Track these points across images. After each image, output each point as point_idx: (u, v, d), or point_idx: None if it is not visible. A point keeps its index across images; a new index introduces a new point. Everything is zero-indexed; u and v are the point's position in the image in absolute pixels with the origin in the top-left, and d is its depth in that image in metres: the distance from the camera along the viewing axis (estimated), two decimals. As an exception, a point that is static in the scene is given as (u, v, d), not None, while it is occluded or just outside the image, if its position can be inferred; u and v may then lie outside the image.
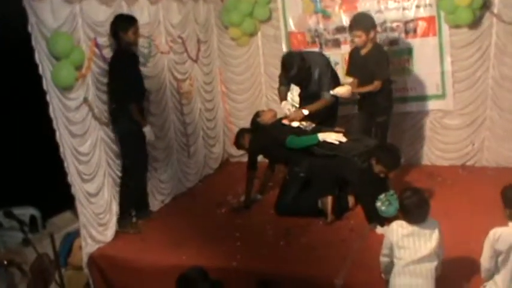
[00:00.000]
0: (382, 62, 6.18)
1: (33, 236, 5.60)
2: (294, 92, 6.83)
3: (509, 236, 3.77)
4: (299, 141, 6.02)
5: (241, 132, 6.78)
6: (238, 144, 6.78)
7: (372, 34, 6.10)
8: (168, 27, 7.14)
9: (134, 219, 6.29)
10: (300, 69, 6.17)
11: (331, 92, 6.26)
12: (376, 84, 6.13)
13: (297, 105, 6.69)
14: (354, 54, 6.40)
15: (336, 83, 6.51)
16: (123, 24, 5.85)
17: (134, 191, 6.24)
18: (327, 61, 6.50)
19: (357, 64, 6.36)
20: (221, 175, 8.18)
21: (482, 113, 7.10)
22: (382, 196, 5.48)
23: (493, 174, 6.67)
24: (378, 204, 5.47)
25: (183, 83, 7.52)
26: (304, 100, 6.54)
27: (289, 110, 6.47)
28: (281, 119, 6.44)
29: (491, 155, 7.18)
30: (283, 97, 6.60)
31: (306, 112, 6.30)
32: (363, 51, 6.22)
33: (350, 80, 6.54)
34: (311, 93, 6.44)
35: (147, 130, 6.07)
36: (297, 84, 6.57)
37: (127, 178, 6.13)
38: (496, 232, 3.84)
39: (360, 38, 6.10)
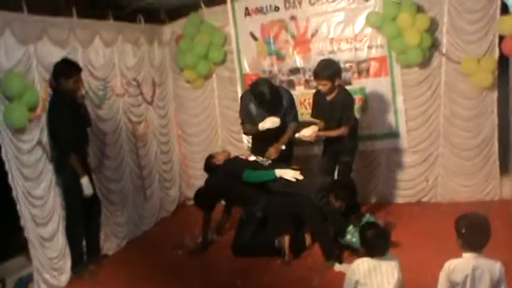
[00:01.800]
0: (349, 107, 6.28)
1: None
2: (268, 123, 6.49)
3: (464, 267, 3.80)
4: (256, 175, 6.06)
5: (209, 156, 6.73)
6: (208, 166, 6.67)
7: (337, 81, 6.19)
8: (123, 70, 7.20)
9: (88, 266, 6.15)
10: (271, 92, 6.24)
11: (297, 135, 6.31)
12: (343, 130, 6.22)
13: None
14: (319, 97, 6.44)
15: (297, 116, 6.67)
16: (67, 70, 5.71)
17: (77, 240, 6.07)
18: (292, 98, 6.63)
19: (322, 108, 6.41)
20: (178, 218, 8.15)
21: (435, 150, 7.26)
22: (350, 228, 5.58)
23: (447, 210, 6.75)
24: (348, 237, 5.59)
25: (139, 126, 7.55)
26: (266, 135, 6.51)
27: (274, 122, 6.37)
28: (237, 156, 6.51)
29: (445, 191, 7.31)
30: (251, 130, 6.58)
31: (283, 147, 6.41)
32: (329, 97, 6.28)
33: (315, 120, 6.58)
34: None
35: (84, 182, 5.82)
36: (268, 108, 6.40)
37: (68, 228, 5.97)
38: (451, 264, 3.88)
39: (325, 86, 6.17)
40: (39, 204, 5.65)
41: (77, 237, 6.06)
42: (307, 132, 6.24)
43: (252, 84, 6.57)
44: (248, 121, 6.61)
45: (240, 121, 6.88)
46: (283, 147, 6.43)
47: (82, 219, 6.06)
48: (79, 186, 5.80)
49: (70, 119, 5.70)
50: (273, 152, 6.38)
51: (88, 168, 6.11)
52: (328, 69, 6.16)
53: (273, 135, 6.46)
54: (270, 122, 6.34)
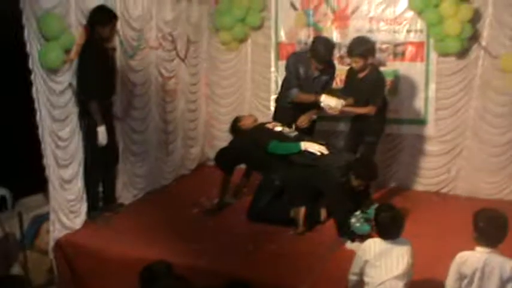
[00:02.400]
0: (379, 88, 6.25)
1: (2, 215, 5.56)
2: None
3: (475, 260, 3.82)
4: (281, 147, 6.03)
5: (236, 119, 6.77)
6: (233, 128, 6.71)
7: (369, 60, 6.15)
8: (159, 23, 7.18)
9: (104, 212, 6.27)
10: (331, 54, 6.33)
11: (321, 99, 6.22)
12: (369, 109, 6.20)
13: None
14: (351, 74, 6.42)
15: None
16: (103, 18, 5.76)
17: (93, 185, 6.17)
18: (335, 70, 6.67)
19: (353, 85, 6.39)
20: (197, 177, 8.19)
21: (461, 142, 7.21)
22: (358, 213, 5.59)
23: (466, 204, 6.73)
24: (353, 220, 5.57)
25: (169, 81, 7.56)
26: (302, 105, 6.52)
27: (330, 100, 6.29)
28: (263, 123, 6.49)
29: (466, 185, 7.26)
30: (303, 97, 6.40)
31: (315, 116, 6.52)
32: (361, 74, 6.25)
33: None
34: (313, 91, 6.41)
35: (100, 130, 5.89)
36: (321, 69, 6.34)
37: (85, 172, 6.05)
38: (462, 256, 3.89)
39: (357, 63, 6.14)
40: (63, 145, 5.72)
41: (93, 182, 6.15)
42: (332, 102, 6.18)
43: (315, 39, 6.57)
44: (295, 85, 6.44)
45: (281, 84, 6.82)
46: (315, 116, 6.41)
47: (99, 165, 6.14)
48: (97, 133, 5.88)
49: (98, 67, 5.76)
50: (304, 119, 6.42)
51: (110, 118, 6.18)
52: (362, 46, 6.13)
53: (304, 103, 6.46)
54: (335, 102, 6.22)
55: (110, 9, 5.87)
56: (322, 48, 6.21)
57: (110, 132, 6.08)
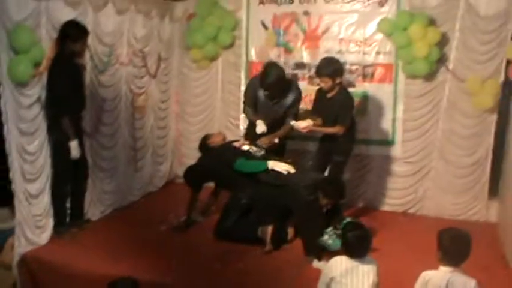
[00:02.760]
0: (347, 108, 6.29)
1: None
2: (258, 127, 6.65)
3: (439, 279, 3.84)
4: (248, 165, 6.04)
5: (205, 137, 6.79)
6: (202, 146, 6.71)
7: (337, 80, 6.20)
8: (130, 40, 7.21)
9: (70, 228, 6.20)
10: (279, 80, 6.27)
11: (291, 123, 6.34)
12: (338, 129, 6.24)
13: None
14: (320, 94, 6.46)
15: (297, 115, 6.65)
16: (74, 33, 5.72)
17: (60, 200, 6.10)
18: (300, 93, 6.59)
19: (322, 105, 6.43)
20: (165, 194, 8.18)
21: (428, 163, 7.30)
22: (328, 230, 5.61)
23: (432, 224, 6.72)
24: (325, 238, 5.61)
25: (139, 97, 7.56)
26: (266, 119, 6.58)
27: (263, 127, 6.52)
28: (231, 142, 6.53)
29: (432, 205, 7.34)
30: (252, 117, 6.64)
31: (276, 140, 6.45)
32: (329, 94, 6.29)
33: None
34: (272, 119, 6.52)
35: (72, 145, 5.85)
36: (269, 95, 6.43)
37: (53, 186, 6.00)
38: (426, 275, 3.93)
39: (325, 83, 6.19)
40: (31, 159, 5.67)
41: (60, 197, 6.08)
42: (302, 124, 6.28)
43: (264, 65, 6.62)
44: (250, 106, 6.62)
45: (243, 100, 6.89)
46: (277, 140, 6.46)
47: (67, 180, 6.09)
48: (67, 148, 5.82)
49: (68, 81, 5.71)
50: (264, 141, 6.40)
51: (80, 132, 6.13)
52: (330, 67, 6.18)
53: (269, 126, 6.51)
54: (259, 127, 6.48)
55: (81, 24, 5.84)
56: (267, 75, 6.27)
57: (81, 146, 6.03)
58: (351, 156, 6.72)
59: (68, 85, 5.69)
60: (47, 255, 5.69)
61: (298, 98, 6.54)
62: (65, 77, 5.68)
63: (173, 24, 8.21)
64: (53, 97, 5.69)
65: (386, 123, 7.34)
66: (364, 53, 7.31)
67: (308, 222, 5.76)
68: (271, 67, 6.38)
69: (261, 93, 6.46)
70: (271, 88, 6.32)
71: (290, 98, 6.45)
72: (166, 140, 8.50)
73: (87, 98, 6.33)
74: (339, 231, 5.44)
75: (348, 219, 5.68)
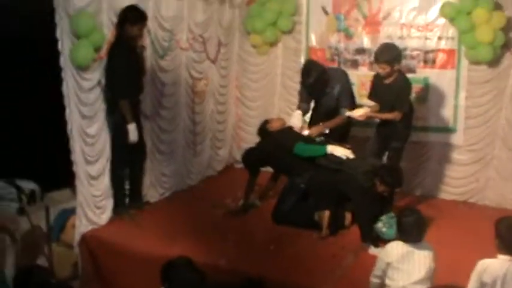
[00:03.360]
0: (405, 94, 6.23)
1: (30, 208, 5.66)
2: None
3: (496, 268, 3.80)
4: (307, 149, 6.08)
5: (265, 121, 6.83)
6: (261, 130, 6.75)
7: (396, 66, 6.13)
8: (190, 25, 7.25)
9: (129, 209, 6.34)
10: (318, 80, 6.27)
11: (347, 113, 6.34)
12: (395, 115, 6.17)
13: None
14: (377, 80, 6.40)
15: (353, 102, 6.62)
16: (133, 17, 5.82)
17: (119, 182, 6.24)
18: (348, 80, 6.61)
19: (379, 91, 6.38)
20: (223, 178, 8.23)
21: (491, 151, 7.13)
22: (383, 217, 5.58)
23: (493, 214, 6.56)
24: (379, 225, 5.59)
25: (198, 82, 7.62)
26: (318, 115, 6.61)
27: (298, 120, 6.52)
28: (290, 127, 6.53)
29: (494, 195, 7.18)
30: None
31: (326, 131, 6.42)
32: (387, 80, 6.23)
33: (371, 103, 6.57)
34: (327, 109, 6.54)
35: (131, 128, 5.97)
36: (311, 94, 6.56)
37: (112, 169, 6.13)
38: (484, 263, 3.88)
39: (384, 69, 6.13)
40: (91, 142, 5.81)
41: (119, 179, 6.23)
42: (358, 112, 6.27)
43: (303, 65, 6.65)
44: (304, 101, 6.68)
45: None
46: (327, 130, 6.43)
47: (126, 162, 6.25)
48: (126, 131, 5.95)
49: (127, 65, 5.84)
50: (314, 130, 6.41)
51: (138, 115, 6.25)
52: (388, 54, 6.11)
53: (328, 114, 6.52)
54: (294, 119, 6.52)
55: (140, 8, 5.93)
56: (307, 76, 6.32)
57: (139, 129, 6.15)
58: (408, 143, 6.61)
59: (125, 68, 5.81)
60: (106, 235, 5.85)
61: (346, 86, 6.53)
62: (122, 61, 5.79)
63: (233, 10, 8.22)
64: (111, 80, 5.83)
65: (447, 110, 7.18)
66: (426, 38, 7.15)
67: (365, 209, 5.74)
68: (309, 67, 6.39)
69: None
70: (311, 88, 6.39)
71: (337, 89, 6.43)
72: (225, 125, 8.55)
73: (147, 82, 6.46)
74: (392, 220, 5.40)
75: (392, 214, 5.59)
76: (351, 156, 5.96)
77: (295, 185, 6.23)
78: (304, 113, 6.68)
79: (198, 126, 7.75)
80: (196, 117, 7.67)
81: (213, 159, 8.29)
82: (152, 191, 6.89)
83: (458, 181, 7.38)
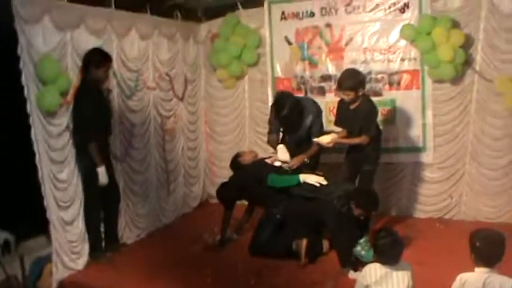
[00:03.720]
0: (371, 117, 6.28)
1: (4, 258, 5.60)
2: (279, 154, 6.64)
3: (475, 280, 3.81)
4: (280, 180, 6.14)
5: (237, 155, 6.86)
6: (234, 164, 6.78)
7: (360, 91, 6.20)
8: (156, 64, 7.34)
9: (106, 253, 6.28)
10: (292, 111, 6.28)
11: (315, 140, 6.37)
12: (363, 139, 6.22)
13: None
14: (342, 105, 6.46)
15: (322, 130, 6.66)
16: (97, 59, 5.88)
17: (94, 225, 6.19)
18: (319, 110, 6.63)
19: (345, 116, 6.44)
20: (199, 214, 8.24)
21: (462, 167, 7.22)
22: (362, 240, 5.59)
23: (469, 228, 6.59)
24: (358, 248, 5.58)
25: (168, 120, 7.68)
26: (290, 145, 6.61)
27: (285, 154, 6.50)
28: (263, 158, 6.59)
29: (468, 210, 7.26)
30: (274, 144, 6.68)
31: (307, 160, 6.45)
32: (352, 106, 6.29)
33: (338, 129, 6.64)
34: (298, 139, 6.57)
35: (100, 171, 5.95)
36: (286, 126, 6.61)
37: (86, 213, 6.09)
38: (462, 277, 3.90)
39: (348, 96, 6.19)
40: (63, 187, 5.80)
41: (93, 223, 6.18)
42: (325, 139, 6.29)
43: (275, 98, 6.71)
44: (274, 132, 6.72)
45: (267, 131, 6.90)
46: (307, 160, 6.48)
47: (99, 205, 6.20)
48: (96, 174, 5.93)
49: (93, 108, 5.84)
50: (295, 162, 6.42)
51: (108, 157, 6.25)
52: (351, 80, 6.18)
53: (299, 144, 6.56)
54: (281, 154, 6.48)
55: (103, 50, 6.00)
56: (280, 108, 6.33)
57: (110, 171, 6.14)
58: (380, 164, 6.69)
59: (92, 112, 5.81)
60: (84, 280, 5.79)
61: (319, 112, 6.59)
62: (88, 104, 5.80)
63: (197, 46, 8.35)
64: (78, 124, 5.83)
65: (416, 130, 7.29)
66: (389, 61, 7.29)
67: (342, 234, 5.75)
68: (282, 100, 6.40)
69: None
70: (286, 119, 6.41)
71: (309, 119, 6.48)
72: (197, 161, 8.59)
73: (116, 123, 6.49)
74: (367, 243, 5.45)
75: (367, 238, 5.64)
76: (324, 182, 6.01)
77: (271, 216, 6.26)
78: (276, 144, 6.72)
79: (170, 164, 7.77)
80: (167, 155, 7.70)
81: (187, 196, 8.31)
82: (128, 233, 6.87)
83: (432, 199, 7.47)
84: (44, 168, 5.53)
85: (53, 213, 5.67)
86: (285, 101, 6.35)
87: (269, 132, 6.78)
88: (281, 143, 6.72)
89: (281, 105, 6.32)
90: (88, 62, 5.84)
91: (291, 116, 6.31)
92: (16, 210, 6.24)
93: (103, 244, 6.34)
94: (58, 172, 5.73)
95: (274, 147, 6.64)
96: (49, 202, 5.60)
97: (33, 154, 5.42)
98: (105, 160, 6.08)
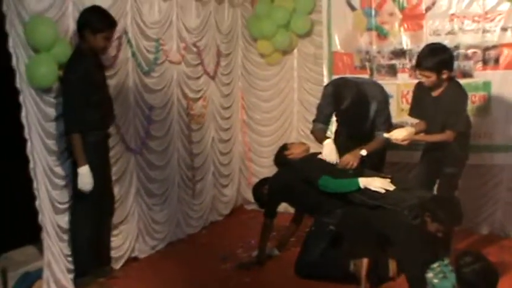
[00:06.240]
0: (459, 108, 6.10)
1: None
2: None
3: None
4: (335, 184, 6.01)
5: (283, 147, 6.78)
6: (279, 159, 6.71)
7: (445, 74, 6.00)
8: (181, 31, 7.29)
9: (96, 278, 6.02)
10: (354, 103, 6.17)
11: (385, 135, 6.21)
12: (448, 135, 6.04)
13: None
14: (421, 91, 6.30)
15: (390, 122, 6.57)
16: (95, 23, 5.50)
17: (82, 243, 5.82)
18: (386, 97, 6.55)
19: (424, 105, 6.28)
20: (231, 223, 8.26)
21: None
22: (435, 265, 5.44)
23: None
24: (430, 275, 5.49)
25: (195, 103, 7.65)
26: (351, 140, 6.50)
27: (333, 152, 6.34)
28: (315, 153, 6.48)
29: None
30: (320, 137, 6.54)
31: (364, 153, 6.29)
32: (434, 92, 6.13)
33: (412, 120, 6.55)
34: (358, 132, 6.49)
35: (81, 172, 5.52)
36: (346, 120, 6.54)
37: (72, 227, 5.80)
38: None
39: (428, 78, 6.00)
40: (62, 184, 5.71)
41: (81, 240, 5.82)
42: (399, 135, 6.10)
43: (332, 86, 6.53)
44: (322, 121, 6.58)
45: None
46: (364, 152, 6.32)
47: (92, 216, 5.81)
48: (98, 171, 5.67)
49: (84, 85, 5.46)
50: (350, 158, 6.23)
51: (105, 155, 5.98)
52: (434, 58, 5.93)
53: (361, 139, 6.42)
54: (328, 152, 6.33)
55: (105, 11, 5.69)
56: (340, 99, 6.23)
57: (105, 174, 5.94)
58: (466, 167, 6.46)
59: (79, 90, 5.45)
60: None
61: (385, 100, 6.51)
62: (76, 79, 5.44)
63: (234, 10, 8.31)
64: (63, 109, 5.54)
65: (518, 123, 7.10)
66: (485, 31, 7.05)
67: (412, 254, 5.60)
68: (343, 89, 6.27)
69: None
70: (347, 114, 6.32)
71: (373, 107, 6.35)
72: (231, 156, 8.61)
73: (130, 106, 6.44)
74: (448, 268, 5.32)
75: (446, 261, 5.49)
76: (391, 188, 5.86)
77: (323, 227, 6.18)
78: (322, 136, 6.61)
79: (196, 159, 7.76)
80: (194, 148, 7.69)
81: (217, 199, 8.31)
82: (141, 244, 6.83)
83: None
84: (38, 160, 5.43)
85: (47, 217, 5.58)
86: (346, 90, 6.24)
87: (315, 120, 6.67)
88: (336, 136, 6.67)
89: (342, 95, 6.22)
90: (83, 24, 5.53)
91: (352, 109, 6.20)
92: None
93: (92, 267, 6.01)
94: (56, 165, 5.62)
95: (320, 141, 6.52)
96: (42, 202, 5.51)
97: (23, 141, 5.33)
98: (100, 158, 5.79)
